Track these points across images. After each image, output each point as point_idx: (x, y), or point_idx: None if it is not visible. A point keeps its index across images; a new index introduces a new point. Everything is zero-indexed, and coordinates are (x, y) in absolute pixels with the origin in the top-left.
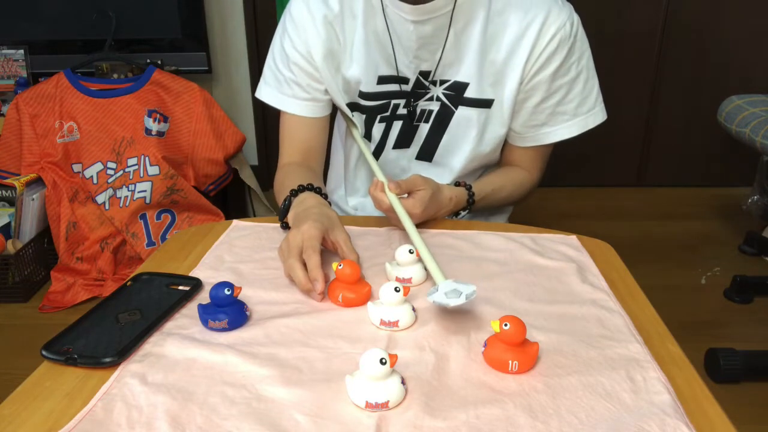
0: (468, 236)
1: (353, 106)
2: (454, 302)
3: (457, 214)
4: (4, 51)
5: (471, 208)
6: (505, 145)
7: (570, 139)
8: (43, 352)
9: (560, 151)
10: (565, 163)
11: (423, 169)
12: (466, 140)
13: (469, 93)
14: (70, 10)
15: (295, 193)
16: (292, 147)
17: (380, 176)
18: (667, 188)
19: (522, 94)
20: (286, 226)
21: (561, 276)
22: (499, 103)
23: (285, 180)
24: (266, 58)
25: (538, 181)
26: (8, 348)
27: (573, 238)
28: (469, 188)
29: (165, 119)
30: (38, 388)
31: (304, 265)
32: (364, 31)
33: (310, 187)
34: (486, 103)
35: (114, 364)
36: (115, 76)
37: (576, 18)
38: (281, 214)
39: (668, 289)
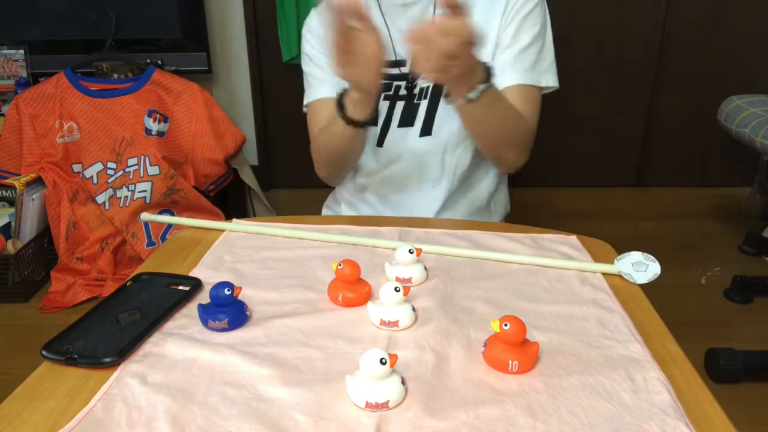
0: (468, 236)
1: None
2: (639, 277)
3: (472, 89)
4: (4, 51)
5: (490, 81)
6: None
7: (570, 139)
8: (43, 352)
9: (560, 151)
10: (565, 163)
11: (426, 143)
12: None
13: None
14: (70, 10)
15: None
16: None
17: None
18: (667, 188)
19: (500, 41)
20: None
21: (561, 276)
22: None
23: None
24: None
25: (533, 125)
26: (8, 348)
27: (573, 238)
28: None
29: (165, 119)
30: (38, 388)
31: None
32: None
33: None
34: None
35: (114, 364)
36: (115, 76)
37: None
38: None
39: (668, 289)
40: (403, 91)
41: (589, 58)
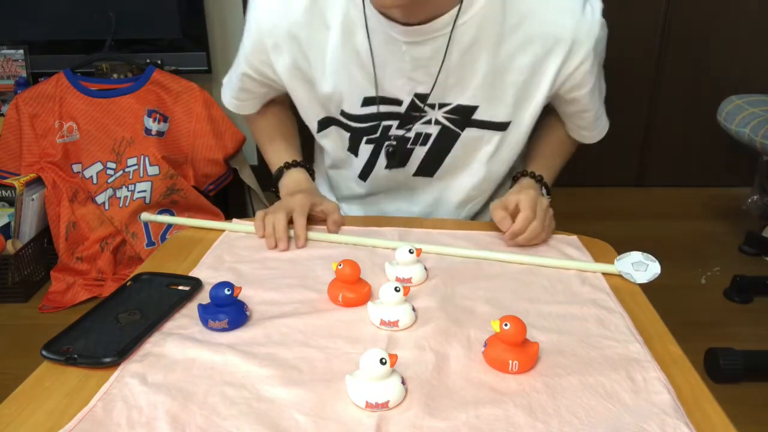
0: (468, 236)
1: (331, 121)
2: (639, 277)
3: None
4: (4, 51)
5: (546, 186)
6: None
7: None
8: (43, 352)
9: None
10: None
11: (423, 184)
12: (476, 159)
13: (479, 116)
14: (70, 10)
15: (288, 166)
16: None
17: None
18: (667, 188)
19: (561, 107)
20: (276, 192)
21: (561, 276)
22: (517, 125)
23: (268, 128)
24: (235, 58)
25: None
26: (8, 348)
27: (573, 238)
28: (529, 174)
29: (165, 119)
30: (38, 388)
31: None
32: (342, 48)
33: (302, 164)
34: (501, 126)
35: (114, 364)
36: (115, 76)
37: (602, 22)
38: (274, 182)
39: (668, 289)
40: (393, 131)
41: None
